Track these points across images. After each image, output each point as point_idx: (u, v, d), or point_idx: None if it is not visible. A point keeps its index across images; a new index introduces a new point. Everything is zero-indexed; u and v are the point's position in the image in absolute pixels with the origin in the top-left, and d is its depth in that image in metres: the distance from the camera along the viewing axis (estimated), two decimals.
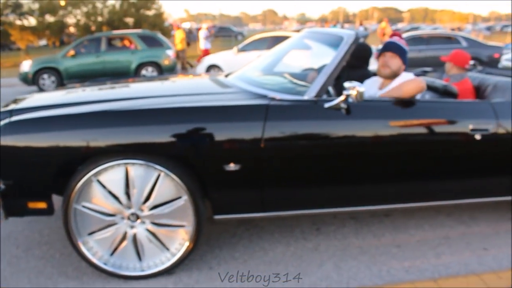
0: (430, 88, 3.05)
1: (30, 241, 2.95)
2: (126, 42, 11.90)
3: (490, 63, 10.72)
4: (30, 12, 27.33)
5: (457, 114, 2.61)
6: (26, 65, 11.00)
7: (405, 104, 2.56)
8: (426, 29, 32.82)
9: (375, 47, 10.43)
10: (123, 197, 2.34)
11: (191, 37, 29.33)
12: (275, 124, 2.38)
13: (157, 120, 2.32)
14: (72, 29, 28.48)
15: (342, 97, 2.40)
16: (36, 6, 26.93)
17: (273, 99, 2.50)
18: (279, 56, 3.40)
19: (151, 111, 2.37)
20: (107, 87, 3.22)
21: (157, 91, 2.94)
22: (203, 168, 2.39)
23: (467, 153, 2.65)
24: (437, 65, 3.96)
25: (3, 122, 2.33)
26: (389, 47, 2.88)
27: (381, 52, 2.90)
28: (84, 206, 2.35)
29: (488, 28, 48.29)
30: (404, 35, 11.93)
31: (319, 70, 2.62)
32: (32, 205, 2.41)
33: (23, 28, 26.46)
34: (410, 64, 10.61)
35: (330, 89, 3.02)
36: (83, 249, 2.41)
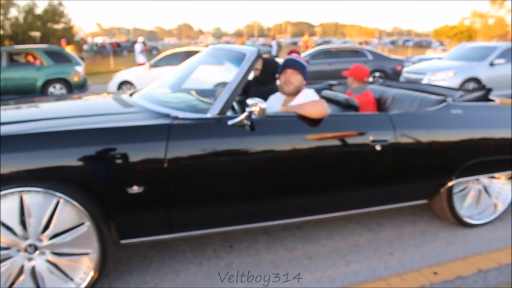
0: (333, 101, 3.15)
1: None
2: (30, 58, 11.16)
3: (394, 75, 11.51)
4: None
5: (358, 127, 2.71)
6: None
7: (309, 118, 2.60)
8: (336, 43, 34.60)
9: None
10: (18, 228, 2.14)
11: (104, 52, 28.35)
12: (178, 143, 2.31)
13: (53, 144, 2.15)
14: None
15: (244, 114, 2.39)
16: None
17: (175, 118, 2.43)
18: (187, 73, 3.35)
19: (46, 135, 2.19)
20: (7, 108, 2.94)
21: (56, 112, 2.75)
22: (105, 192, 2.26)
23: (370, 163, 2.76)
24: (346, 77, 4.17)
25: None
26: (290, 64, 2.94)
27: (282, 69, 2.95)
28: None
29: (392, 42, 52.07)
30: (315, 49, 12.45)
31: (222, 88, 2.60)
32: None
33: None
34: (320, 77, 10.94)
35: (236, 105, 3.00)
36: None
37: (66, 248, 2.24)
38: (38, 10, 26.12)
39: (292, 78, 2.91)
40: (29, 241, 2.18)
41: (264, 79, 3.84)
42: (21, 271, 2.22)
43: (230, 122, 2.42)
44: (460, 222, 3.22)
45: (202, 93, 3.04)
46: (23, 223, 2.14)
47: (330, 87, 4.31)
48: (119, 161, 2.23)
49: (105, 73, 16.71)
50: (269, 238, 3.12)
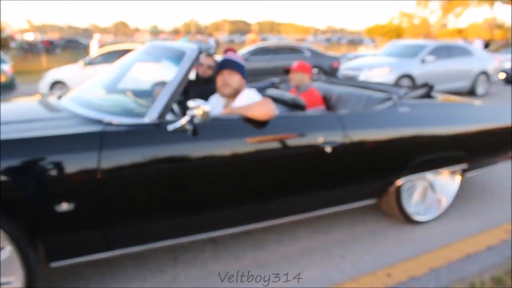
0: (279, 101, 3.01)
1: None
2: None
3: (331, 71, 11.67)
4: None
5: (307, 128, 2.59)
6: None
7: (255, 121, 2.44)
8: (273, 40, 34.86)
9: None
10: None
11: (35, 49, 26.60)
12: (113, 153, 2.07)
13: None
14: None
15: (186, 118, 2.19)
16: None
17: (109, 124, 2.17)
18: (122, 71, 3.07)
19: None
20: None
21: None
22: (29, 211, 1.97)
23: (320, 165, 2.65)
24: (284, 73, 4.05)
25: None
26: (226, 65, 2.74)
27: (219, 70, 2.76)
28: None
29: (327, 40, 53.44)
30: (253, 46, 12.34)
31: (160, 88, 2.37)
32: None
33: None
34: (259, 74, 10.83)
35: (176, 107, 2.78)
36: None
37: None
38: None
39: (230, 79, 2.72)
40: None
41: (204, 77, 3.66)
42: None
43: (170, 127, 2.21)
44: (408, 220, 3.21)
45: (139, 94, 2.79)
46: None
47: (273, 85, 4.18)
48: (43, 175, 1.95)
49: (37, 72, 15.55)
50: (217, 247, 2.93)
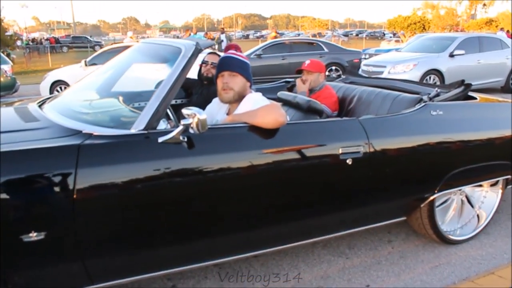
0: (292, 105, 2.63)
1: None
2: None
3: (352, 68, 11.12)
4: None
5: (324, 137, 2.20)
6: None
7: (263, 129, 2.06)
8: (289, 35, 34.27)
9: None
10: None
11: (41, 48, 26.63)
12: (91, 170, 1.73)
13: None
14: None
15: (179, 129, 1.83)
16: None
17: (89, 135, 1.82)
18: (118, 72, 2.72)
19: None
20: None
21: None
22: None
23: (340, 180, 2.26)
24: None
25: None
26: (226, 65, 2.33)
27: (217, 73, 2.36)
28: None
29: (346, 34, 52.43)
30: (266, 42, 11.90)
31: (150, 92, 2.01)
32: None
33: None
34: (273, 72, 10.26)
35: (171, 115, 2.41)
36: None
37: None
38: None
39: (232, 82, 2.30)
40: None
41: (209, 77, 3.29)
42: None
43: (160, 139, 1.85)
44: (442, 239, 2.79)
45: (138, 97, 2.46)
46: None
47: (287, 86, 3.79)
48: (7, 198, 1.61)
49: (43, 72, 15.37)
50: (221, 272, 2.57)
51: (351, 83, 3.67)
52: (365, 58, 11.45)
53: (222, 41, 15.61)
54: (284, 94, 2.74)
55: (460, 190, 2.80)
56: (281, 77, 4.71)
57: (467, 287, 2.38)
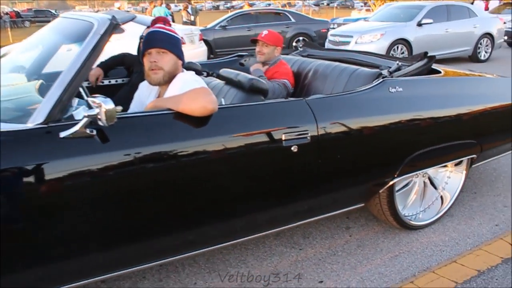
0: (234, 83, 2.33)
1: None
2: None
3: (319, 38, 10.78)
4: None
5: (265, 121, 1.91)
6: None
7: (191, 117, 1.75)
8: (260, 6, 33.49)
9: None
10: None
11: (1, 22, 25.26)
12: None
13: None
14: None
15: (82, 122, 1.52)
16: None
17: None
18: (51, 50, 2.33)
19: None
20: None
21: None
22: None
23: (284, 170, 1.99)
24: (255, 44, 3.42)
25: None
26: (154, 41, 2.00)
27: (144, 50, 2.02)
28: None
29: (317, 4, 51.67)
30: (231, 13, 11.43)
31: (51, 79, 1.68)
32: None
33: None
34: (238, 44, 9.85)
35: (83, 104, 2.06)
36: None
37: None
38: None
39: (161, 60, 1.97)
40: None
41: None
42: None
43: (62, 134, 1.53)
44: (403, 226, 2.59)
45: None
46: None
47: (240, 58, 3.48)
48: None
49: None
50: (161, 271, 2.32)
51: (308, 56, 3.38)
52: (333, 28, 11.08)
53: (189, 13, 14.79)
54: (226, 71, 2.43)
55: (422, 172, 2.59)
56: (247, 49, 4.38)
57: (427, 279, 2.20)
